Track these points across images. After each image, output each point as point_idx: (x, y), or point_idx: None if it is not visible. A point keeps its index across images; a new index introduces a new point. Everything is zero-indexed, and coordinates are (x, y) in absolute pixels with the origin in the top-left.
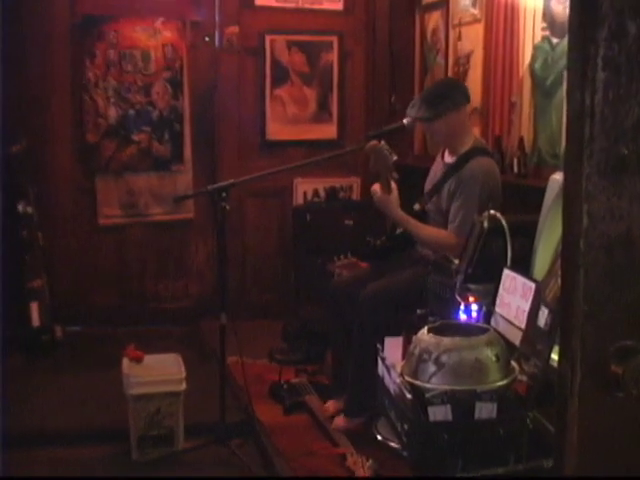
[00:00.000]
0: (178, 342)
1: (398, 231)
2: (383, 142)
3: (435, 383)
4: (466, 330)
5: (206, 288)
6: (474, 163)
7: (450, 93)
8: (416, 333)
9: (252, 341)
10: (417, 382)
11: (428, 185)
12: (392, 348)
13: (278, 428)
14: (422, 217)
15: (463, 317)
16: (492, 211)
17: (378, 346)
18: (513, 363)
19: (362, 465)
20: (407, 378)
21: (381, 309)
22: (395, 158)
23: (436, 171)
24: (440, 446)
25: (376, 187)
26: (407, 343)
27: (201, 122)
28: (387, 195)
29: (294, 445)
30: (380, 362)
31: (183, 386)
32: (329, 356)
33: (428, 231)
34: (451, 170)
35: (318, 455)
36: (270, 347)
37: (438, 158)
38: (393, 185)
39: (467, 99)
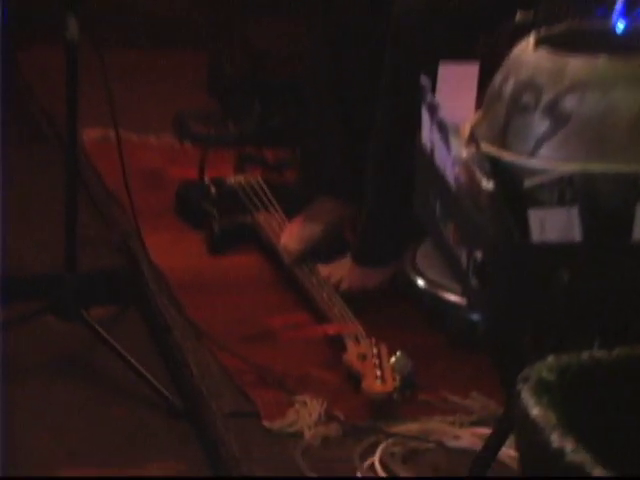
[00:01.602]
0: None
1: None
2: None
3: (547, 157)
4: (621, 43)
5: None
6: None
7: None
8: (509, 53)
9: (139, 94)
10: (507, 155)
11: None
12: (453, 88)
13: (196, 282)
14: None
15: (620, 23)
16: None
17: (422, 83)
18: None
19: (378, 362)
20: (485, 148)
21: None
22: None
23: None
24: (554, 299)
25: None
26: (487, 74)
27: None
28: None
29: (231, 317)
30: (425, 117)
31: None
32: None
33: None
34: None
35: (282, 342)
36: (179, 108)
37: None
38: None
39: None
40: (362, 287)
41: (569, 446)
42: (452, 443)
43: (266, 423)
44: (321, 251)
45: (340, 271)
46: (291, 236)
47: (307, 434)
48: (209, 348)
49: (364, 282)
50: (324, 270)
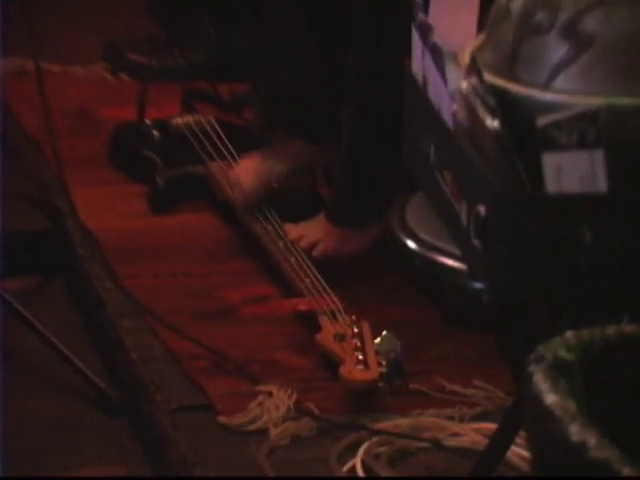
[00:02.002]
0: None
1: None
2: None
3: (565, 88)
4: None
5: None
6: None
7: None
8: None
9: (64, 17)
10: (516, 87)
11: None
12: (451, 5)
13: (136, 247)
14: None
15: None
16: None
17: None
18: None
19: (360, 344)
20: (490, 78)
21: None
22: None
23: None
24: (573, 263)
25: None
26: None
27: None
28: None
29: (179, 290)
30: (416, 42)
31: None
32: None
33: None
34: None
35: (243, 319)
36: (113, 33)
37: None
38: None
39: None
40: (339, 252)
41: (592, 440)
42: (450, 441)
43: (223, 419)
44: (290, 206)
45: (313, 233)
46: (246, 171)
47: (273, 432)
48: (152, 327)
49: (341, 246)
50: (293, 231)
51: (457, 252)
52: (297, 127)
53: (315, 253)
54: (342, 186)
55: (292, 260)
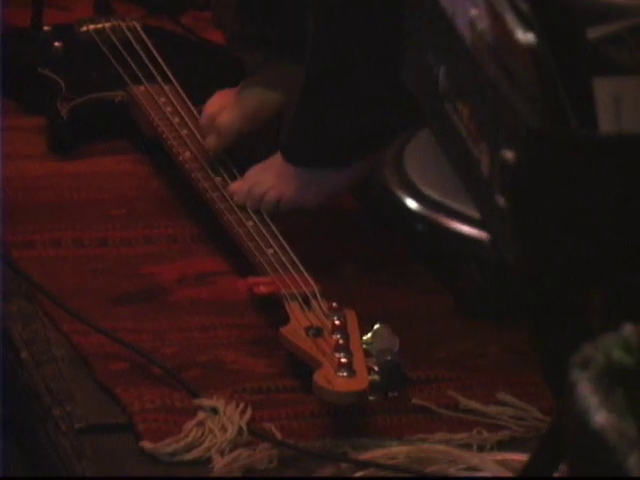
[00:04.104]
0: None
1: None
2: None
3: None
4: None
5: None
6: None
7: None
8: None
9: None
10: None
11: None
12: None
13: (29, 203)
14: None
15: None
16: None
17: None
18: None
19: (342, 341)
20: None
21: None
22: None
23: None
24: (630, 228)
25: None
26: None
27: None
28: None
29: (90, 265)
30: None
31: None
32: None
33: None
34: None
35: (178, 306)
36: None
37: None
38: None
39: None
40: (295, 202)
41: None
42: (465, 477)
43: (147, 444)
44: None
45: (266, 178)
46: (229, 107)
47: (218, 463)
48: (50, 316)
49: (299, 194)
50: (247, 177)
51: (475, 214)
52: (286, 43)
53: (264, 205)
54: (307, 109)
55: (249, 224)
